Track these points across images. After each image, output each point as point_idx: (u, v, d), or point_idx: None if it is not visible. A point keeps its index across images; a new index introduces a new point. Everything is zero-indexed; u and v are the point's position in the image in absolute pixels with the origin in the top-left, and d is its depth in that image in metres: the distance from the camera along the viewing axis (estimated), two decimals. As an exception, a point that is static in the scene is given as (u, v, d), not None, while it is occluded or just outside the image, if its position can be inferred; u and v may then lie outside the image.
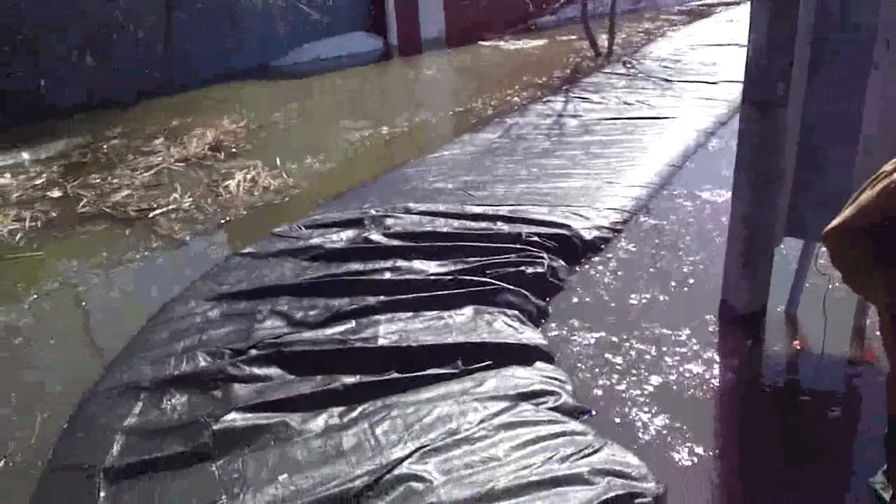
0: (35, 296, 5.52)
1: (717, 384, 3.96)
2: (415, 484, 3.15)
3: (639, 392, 3.90)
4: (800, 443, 3.53)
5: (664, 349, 4.26)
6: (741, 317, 4.46)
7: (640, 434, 3.61)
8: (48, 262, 6.13)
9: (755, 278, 4.43)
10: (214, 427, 3.53)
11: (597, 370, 4.12)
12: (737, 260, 4.42)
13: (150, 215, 6.93)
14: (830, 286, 4.14)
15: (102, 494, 3.29)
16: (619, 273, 5.28)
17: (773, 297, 4.51)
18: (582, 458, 3.29)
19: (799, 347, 4.26)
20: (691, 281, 5.08)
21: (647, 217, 6.27)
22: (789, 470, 3.36)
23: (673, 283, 5.05)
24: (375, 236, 5.61)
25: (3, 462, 3.75)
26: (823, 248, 4.28)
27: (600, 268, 5.39)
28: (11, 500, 3.43)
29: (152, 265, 6.03)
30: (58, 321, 5.23)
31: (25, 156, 8.87)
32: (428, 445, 3.35)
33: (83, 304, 5.46)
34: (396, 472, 3.20)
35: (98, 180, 7.88)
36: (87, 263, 6.04)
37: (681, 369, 4.08)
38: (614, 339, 4.41)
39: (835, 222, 2.33)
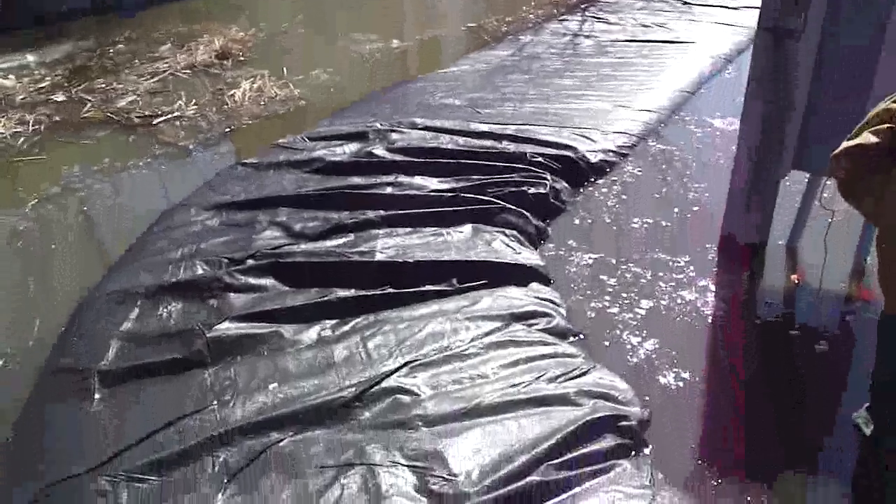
0: (36, 200, 5.52)
1: (710, 312, 3.96)
2: (402, 396, 3.18)
3: (631, 315, 3.92)
4: (787, 375, 3.53)
5: (660, 274, 4.26)
6: (741, 247, 4.43)
7: (628, 357, 3.62)
8: (51, 166, 6.10)
9: (758, 210, 4.38)
10: (208, 335, 3.55)
11: (591, 292, 4.12)
12: (741, 190, 4.36)
13: (154, 122, 6.86)
14: (830, 220, 4.09)
15: (97, 396, 3.34)
16: (623, 197, 5.24)
17: (775, 230, 4.46)
18: (570, 379, 3.30)
19: (797, 282, 4.23)
20: (695, 208, 5.03)
21: (655, 142, 6.17)
22: (774, 401, 3.37)
23: (676, 210, 5.01)
24: (379, 150, 5.54)
25: (1, 363, 3.80)
26: (829, 183, 4.25)
27: (604, 191, 5.33)
28: (9, 401, 3.49)
29: (154, 172, 6.00)
30: (58, 226, 5.23)
31: (31, 58, 8.74)
32: (418, 360, 3.38)
33: (84, 209, 5.45)
34: (385, 384, 3.23)
35: (103, 85, 7.79)
36: (89, 169, 6.00)
37: (674, 295, 4.07)
38: (612, 261, 4.41)
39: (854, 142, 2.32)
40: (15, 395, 3.52)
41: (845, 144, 2.45)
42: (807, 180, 4.44)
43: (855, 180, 2.46)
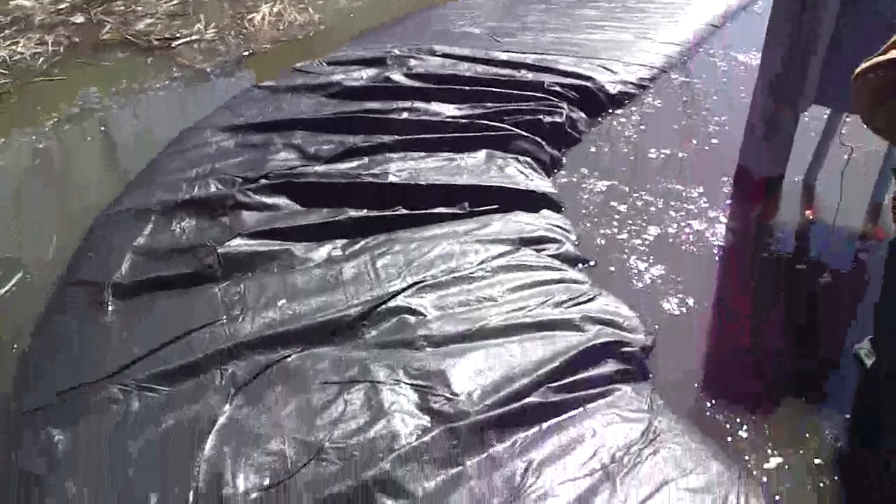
0: (55, 119, 5.54)
1: (719, 243, 3.94)
2: (408, 316, 3.21)
3: (640, 242, 3.92)
4: (792, 307, 3.52)
5: (672, 203, 4.23)
6: (756, 181, 4.38)
7: (635, 283, 3.64)
8: (69, 87, 6.11)
9: (776, 143, 4.31)
10: (220, 251, 3.59)
11: (602, 220, 4.11)
12: (759, 122, 4.28)
13: (173, 45, 6.83)
14: (848, 157, 4.03)
15: (111, 308, 3.41)
16: (642, 128, 5.18)
17: (792, 167, 4.40)
18: (575, 305, 3.32)
19: (811, 218, 4.19)
20: (714, 141, 4.97)
21: (678, 76, 6.06)
22: (777, 332, 3.38)
23: (695, 142, 4.95)
24: (396, 76, 5.50)
25: (20, 275, 3.88)
26: (848, 120, 4.18)
27: (622, 121, 5.27)
28: (26, 312, 3.56)
29: (172, 94, 6.00)
30: (77, 145, 5.27)
31: (50, -22, 8.68)
32: (426, 281, 3.40)
33: (102, 129, 5.48)
34: (392, 303, 3.27)
35: (122, 7, 7.73)
36: (108, 90, 6.01)
37: (682, 224, 4.06)
38: (625, 189, 4.39)
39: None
40: (32, 306, 3.59)
41: (873, 59, 2.35)
42: (826, 116, 4.37)
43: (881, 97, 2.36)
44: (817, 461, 2.74)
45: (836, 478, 2.68)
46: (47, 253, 4.05)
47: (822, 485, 2.66)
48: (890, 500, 2.58)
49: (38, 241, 4.13)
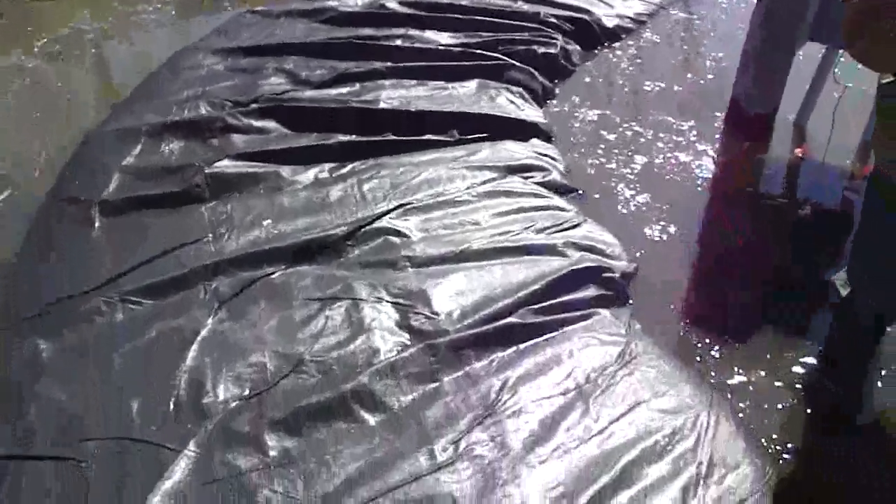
0: (46, 40, 5.48)
1: (705, 175, 3.95)
2: (393, 238, 3.24)
3: (628, 171, 3.93)
4: (772, 240, 3.55)
5: (661, 135, 4.23)
6: (748, 117, 4.36)
7: (620, 209, 3.67)
8: (61, 9, 6.03)
9: (770, 79, 4.29)
10: (207, 171, 3.60)
11: (592, 149, 4.12)
12: (754, 57, 4.25)
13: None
14: (840, 96, 4.01)
15: (97, 225, 3.42)
16: (638, 61, 5.15)
17: (785, 105, 4.39)
18: (559, 231, 3.35)
19: (801, 156, 4.18)
20: (710, 76, 4.95)
21: (676, 11, 6.00)
22: (756, 264, 3.41)
23: (689, 76, 4.92)
24: (391, 3, 5.43)
25: (8, 192, 3.89)
26: (843, 60, 4.14)
27: (618, 54, 5.25)
28: (14, 227, 3.57)
29: (164, 17, 5.93)
30: (67, 66, 5.22)
31: None
32: (411, 204, 3.42)
33: (93, 51, 5.42)
34: (377, 224, 3.29)
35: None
36: (100, 12, 5.94)
37: (669, 156, 4.06)
38: (616, 119, 4.39)
39: None
40: (21, 222, 3.61)
41: None
42: (821, 55, 4.33)
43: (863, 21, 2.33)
44: (779, 383, 2.79)
45: (800, 399, 2.73)
46: (36, 170, 4.04)
47: (781, 406, 2.70)
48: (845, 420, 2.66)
49: (27, 159, 4.13)
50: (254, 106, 4.15)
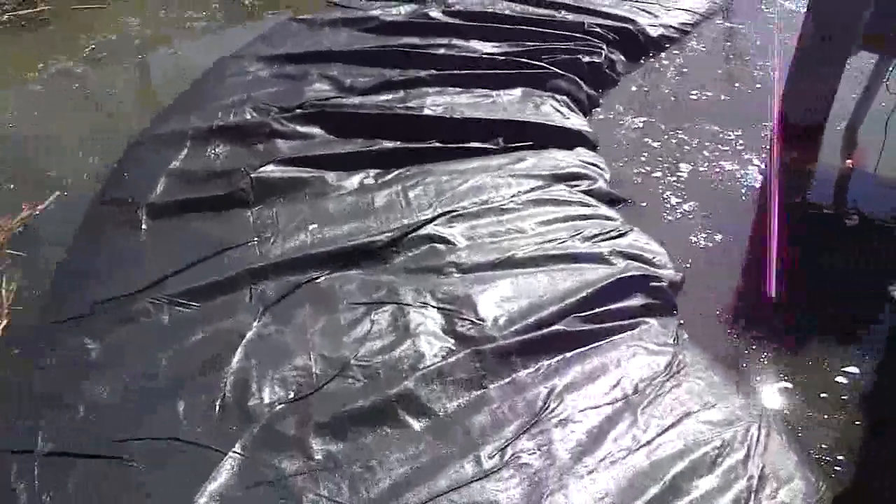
0: (94, 46, 5.56)
1: (754, 186, 3.90)
2: (438, 245, 3.23)
3: (673, 179, 3.91)
4: (822, 250, 3.48)
5: (706, 144, 4.20)
6: (798, 127, 4.29)
7: (665, 216, 3.65)
8: (109, 15, 6.12)
9: (820, 89, 4.22)
10: (253, 175, 3.62)
11: (638, 159, 4.09)
12: (804, 67, 4.20)
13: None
14: (891, 104, 3.94)
15: (144, 227, 3.45)
16: (684, 70, 5.11)
17: (837, 114, 4.32)
18: (606, 240, 3.32)
19: (852, 166, 4.11)
20: (758, 86, 4.88)
21: (722, 21, 5.95)
22: (807, 274, 3.35)
23: (737, 85, 4.86)
24: (435, 13, 5.45)
25: (58, 193, 3.94)
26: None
27: (664, 63, 5.21)
28: (64, 227, 3.62)
29: (210, 24, 5.99)
30: (115, 71, 5.28)
31: None
32: (457, 211, 3.41)
33: (140, 57, 5.49)
34: (422, 231, 3.28)
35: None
36: (147, 18, 6.02)
37: (714, 164, 4.06)
38: (661, 127, 4.36)
39: None
40: (69, 223, 3.65)
41: None
42: (874, 63, 4.26)
43: None
44: (830, 394, 2.74)
45: (852, 411, 2.67)
46: (84, 174, 4.09)
47: (833, 417, 2.64)
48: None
49: (75, 162, 4.18)
50: (299, 112, 4.17)
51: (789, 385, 2.77)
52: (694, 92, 4.76)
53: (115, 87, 5.04)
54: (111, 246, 3.38)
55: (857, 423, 2.63)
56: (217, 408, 2.54)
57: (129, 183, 3.78)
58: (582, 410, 2.54)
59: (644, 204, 3.73)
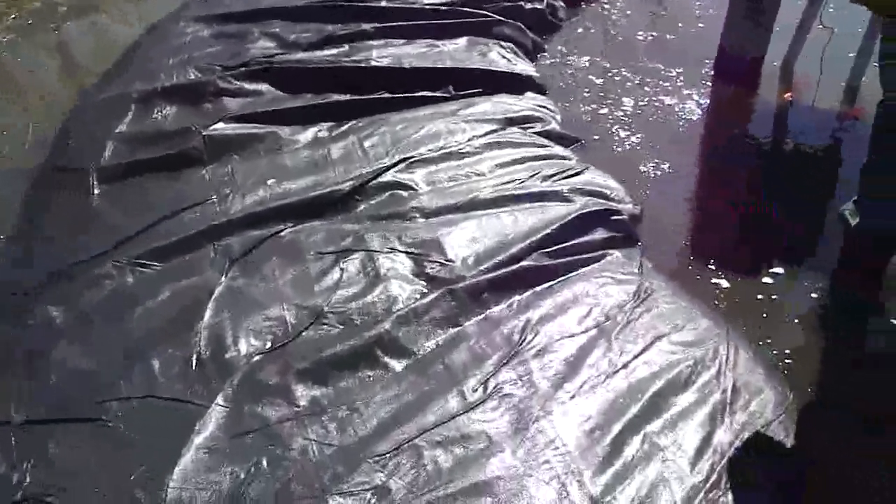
0: (17, 14, 5.36)
1: (688, 117, 4.03)
2: (400, 191, 3.23)
3: (621, 114, 4.00)
4: (765, 176, 3.62)
5: (647, 80, 4.31)
6: (736, 62, 4.39)
7: (615, 148, 3.76)
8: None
9: (758, 23, 4.30)
10: (205, 133, 3.55)
11: (585, 99, 4.14)
12: (742, 1, 4.27)
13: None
14: (829, 40, 4.05)
15: (97, 192, 3.36)
16: (627, 13, 5.17)
17: (772, 50, 4.43)
18: (564, 178, 3.35)
19: (789, 99, 4.22)
20: (701, 25, 4.96)
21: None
22: (754, 200, 3.45)
23: (681, 25, 4.94)
24: (373, -34, 5.35)
25: (-4, 168, 3.82)
26: (830, 2, 4.18)
27: (607, 6, 5.25)
28: (8, 200, 3.51)
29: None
30: (44, 39, 5.11)
31: None
32: (415, 158, 3.41)
33: (69, 24, 5.31)
34: (382, 179, 3.28)
35: None
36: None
37: (654, 99, 4.17)
38: (606, 65, 4.46)
39: None
40: (14, 195, 3.54)
41: None
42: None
43: None
44: (790, 309, 2.87)
45: (811, 324, 2.81)
46: (24, 142, 3.97)
47: (795, 331, 2.76)
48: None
49: (13, 132, 4.05)
50: (244, 69, 4.09)
51: (749, 302, 2.87)
52: (640, 34, 4.82)
53: (46, 56, 4.87)
54: (64, 213, 3.29)
55: (820, 335, 2.75)
56: (194, 363, 2.52)
57: (75, 149, 3.67)
58: (558, 340, 2.59)
59: (596, 138, 3.79)
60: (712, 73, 4.39)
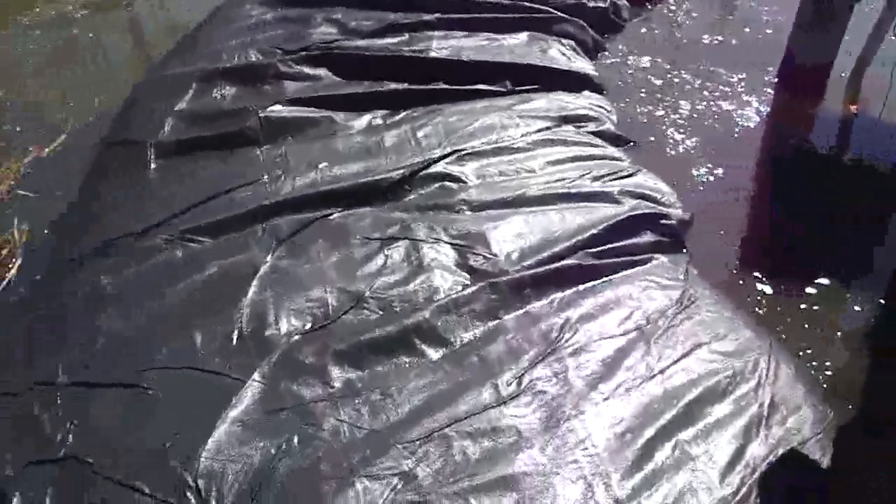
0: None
1: (748, 125, 3.99)
2: (449, 183, 3.24)
3: (678, 116, 3.97)
4: (822, 189, 3.54)
5: (708, 84, 4.25)
6: (802, 70, 4.29)
7: (669, 150, 3.74)
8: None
9: (827, 29, 4.20)
10: (262, 114, 3.60)
11: (642, 98, 4.14)
12: (811, 7, 4.17)
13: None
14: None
15: (153, 166, 3.44)
16: (693, 15, 5.10)
17: (841, 59, 4.32)
18: (615, 179, 3.33)
19: (855, 111, 4.11)
20: (768, 31, 4.86)
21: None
22: (807, 211, 3.39)
23: (747, 30, 4.85)
24: (439, -43, 5.36)
25: (64, 136, 3.94)
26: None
27: (673, 8, 5.18)
28: (71, 169, 3.63)
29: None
30: (115, 18, 5.23)
31: None
32: (466, 150, 3.41)
33: (140, 1, 5.43)
34: (432, 169, 3.29)
35: None
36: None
37: (712, 104, 4.12)
38: (667, 67, 4.42)
39: None
40: (78, 164, 3.65)
41: None
42: (883, 5, 4.25)
43: None
44: (837, 326, 2.81)
45: (859, 343, 2.74)
46: (89, 116, 4.09)
47: (840, 349, 2.71)
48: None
49: (81, 105, 4.18)
50: (304, 54, 4.13)
51: (797, 316, 2.81)
52: (704, 37, 4.76)
53: (119, 34, 5.00)
54: (121, 185, 3.38)
55: (866, 352, 2.68)
56: (234, 338, 2.56)
57: (135, 124, 3.76)
58: (596, 341, 2.57)
59: (651, 139, 3.78)
60: (776, 79, 4.29)
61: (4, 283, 3.08)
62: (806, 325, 2.81)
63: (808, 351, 2.70)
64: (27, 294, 3.02)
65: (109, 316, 2.71)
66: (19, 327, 2.80)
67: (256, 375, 2.41)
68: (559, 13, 4.63)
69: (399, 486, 2.10)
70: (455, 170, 3.29)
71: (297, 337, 2.56)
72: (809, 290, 2.96)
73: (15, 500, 2.13)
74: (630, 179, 3.35)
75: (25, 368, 2.57)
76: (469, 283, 2.74)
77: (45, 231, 3.35)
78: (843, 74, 4.35)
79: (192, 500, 2.09)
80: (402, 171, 3.26)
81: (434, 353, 2.51)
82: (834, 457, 2.30)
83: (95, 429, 2.31)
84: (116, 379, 2.47)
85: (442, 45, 4.24)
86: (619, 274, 2.87)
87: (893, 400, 2.54)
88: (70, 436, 2.30)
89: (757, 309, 2.88)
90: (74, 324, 2.71)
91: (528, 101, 3.80)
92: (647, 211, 3.11)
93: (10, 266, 3.15)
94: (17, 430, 2.34)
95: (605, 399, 2.38)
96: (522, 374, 2.43)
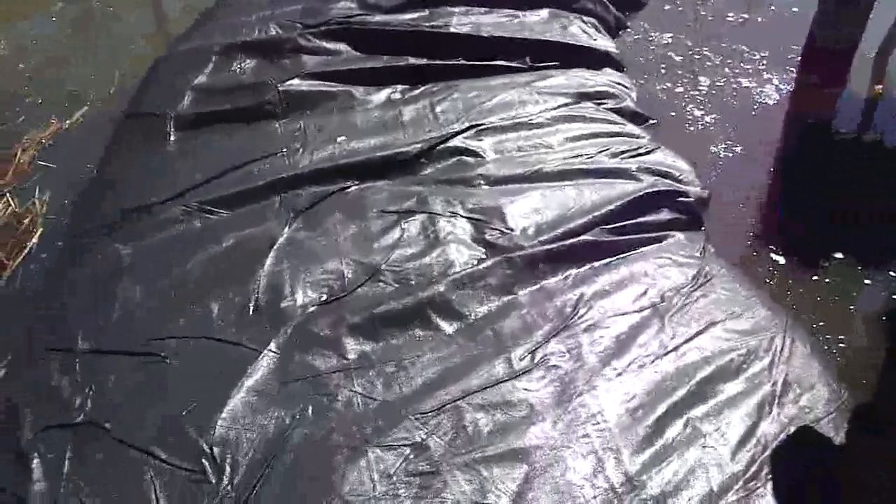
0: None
1: (768, 102, 3.96)
2: (466, 157, 3.23)
3: (697, 93, 3.96)
4: (841, 172, 3.51)
5: (729, 61, 4.24)
6: (826, 50, 4.24)
7: (688, 127, 3.74)
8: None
9: (851, 11, 4.14)
10: (281, 88, 3.61)
11: (662, 74, 4.14)
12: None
13: None
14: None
15: (172, 139, 3.47)
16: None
17: (868, 40, 4.26)
18: (633, 156, 3.31)
19: (879, 92, 4.06)
20: (795, 9, 4.78)
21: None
22: (825, 191, 3.37)
23: (773, 8, 4.78)
24: (459, -68, 5.32)
25: (86, 108, 3.97)
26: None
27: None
28: (92, 140, 3.66)
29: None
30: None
31: None
32: (485, 125, 3.40)
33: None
34: (450, 144, 3.28)
35: None
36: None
37: (732, 81, 4.10)
38: (689, 43, 4.41)
39: None
40: (98, 135, 3.68)
41: None
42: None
43: None
44: (853, 306, 2.81)
45: (876, 322, 2.73)
46: (109, 89, 4.12)
47: (856, 329, 2.71)
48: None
49: (101, 78, 4.21)
50: (324, 28, 4.12)
51: (814, 296, 2.80)
52: (730, 14, 4.70)
53: (137, 6, 5.01)
54: (140, 157, 3.40)
55: (881, 332, 2.66)
56: (251, 309, 2.59)
57: (155, 97, 3.77)
58: (610, 317, 2.57)
59: (673, 114, 3.78)
60: (799, 58, 4.24)
61: (26, 251, 3.12)
62: (823, 305, 2.78)
63: (826, 333, 2.68)
64: (48, 262, 3.05)
65: (127, 285, 2.75)
66: (40, 295, 2.84)
67: (272, 346, 2.44)
68: (580, -11, 4.58)
69: (411, 457, 2.12)
70: (473, 144, 3.29)
71: (312, 308, 2.58)
72: (825, 269, 2.93)
73: (34, 462, 2.17)
74: (648, 156, 3.32)
75: (46, 335, 2.61)
76: (485, 257, 2.75)
77: (66, 201, 3.38)
78: (868, 55, 4.28)
79: (208, 467, 2.12)
80: (419, 145, 3.26)
81: (448, 327, 2.52)
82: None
83: (113, 395, 2.35)
84: (134, 347, 2.51)
85: (462, 21, 4.20)
86: (635, 251, 2.87)
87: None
88: (88, 401, 2.34)
89: (775, 288, 2.85)
90: (92, 292, 2.74)
91: (547, 78, 3.77)
92: (664, 188, 3.09)
93: (32, 234, 3.19)
94: (36, 395, 2.38)
95: (618, 375, 2.38)
96: (536, 349, 2.43)
